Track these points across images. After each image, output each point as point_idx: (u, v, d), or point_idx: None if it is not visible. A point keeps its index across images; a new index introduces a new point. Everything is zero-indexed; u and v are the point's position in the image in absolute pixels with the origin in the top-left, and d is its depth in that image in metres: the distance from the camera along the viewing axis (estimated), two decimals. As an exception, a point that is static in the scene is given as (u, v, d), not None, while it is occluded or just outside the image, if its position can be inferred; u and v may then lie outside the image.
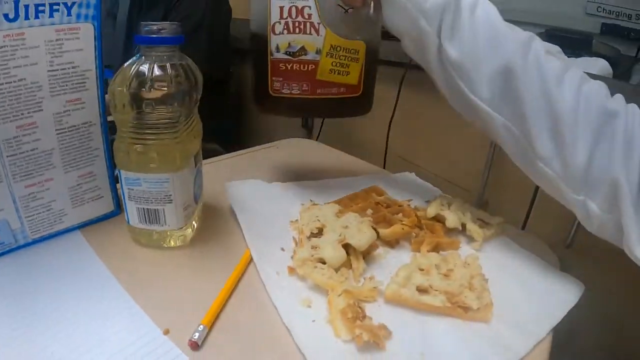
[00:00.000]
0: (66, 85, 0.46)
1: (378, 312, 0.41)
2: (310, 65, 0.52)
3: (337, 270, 0.45)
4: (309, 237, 0.49)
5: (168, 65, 0.42)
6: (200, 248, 0.50)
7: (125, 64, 0.42)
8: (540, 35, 0.93)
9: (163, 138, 0.43)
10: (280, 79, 0.53)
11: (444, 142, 0.89)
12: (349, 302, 0.40)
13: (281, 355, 0.38)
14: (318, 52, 0.51)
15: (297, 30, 0.50)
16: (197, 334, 0.37)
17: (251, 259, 0.48)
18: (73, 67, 0.46)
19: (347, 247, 0.47)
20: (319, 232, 0.49)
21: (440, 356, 0.37)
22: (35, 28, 0.42)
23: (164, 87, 0.41)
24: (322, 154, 0.82)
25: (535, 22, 0.96)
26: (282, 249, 0.49)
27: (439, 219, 0.56)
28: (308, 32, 0.50)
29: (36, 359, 0.36)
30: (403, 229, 0.53)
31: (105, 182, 0.52)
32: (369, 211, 0.57)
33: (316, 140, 0.93)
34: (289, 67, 0.52)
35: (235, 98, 1.30)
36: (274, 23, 0.50)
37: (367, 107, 0.59)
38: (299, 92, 0.53)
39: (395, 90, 0.91)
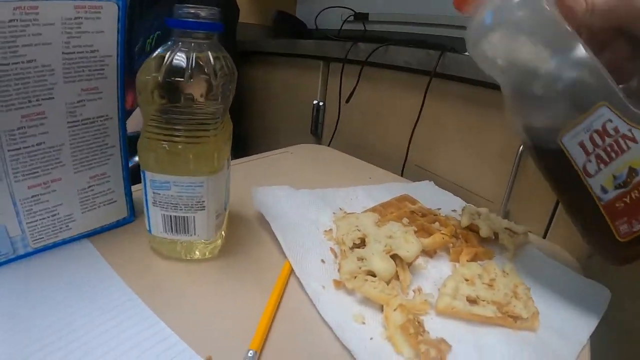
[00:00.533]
0: (82, 72, 0.39)
1: (431, 326, 0.38)
2: None
3: (387, 283, 0.41)
4: (351, 248, 0.44)
5: (209, 54, 0.36)
6: (230, 260, 0.44)
7: (157, 51, 0.36)
8: None
9: (201, 136, 0.37)
10: (625, 218, 0.40)
11: (465, 152, 0.86)
12: (409, 317, 0.36)
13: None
14: None
15: (613, 154, 0.38)
16: (245, 362, 0.32)
17: (291, 272, 0.43)
18: (92, 51, 0.39)
19: (393, 258, 0.43)
20: (361, 243, 0.45)
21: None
22: (51, 2, 0.36)
23: (206, 78, 0.36)
24: (338, 160, 0.78)
25: None
26: (322, 261, 0.44)
27: (472, 228, 0.54)
28: (625, 147, 0.38)
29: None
30: (443, 238, 0.49)
31: (119, 185, 0.46)
32: (405, 220, 0.53)
33: (328, 146, 0.89)
34: (628, 202, 0.39)
35: (239, 102, 1.24)
36: (583, 165, 0.39)
37: None
38: None
39: (416, 97, 0.88)
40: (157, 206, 0.39)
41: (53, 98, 0.38)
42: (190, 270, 0.42)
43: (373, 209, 0.53)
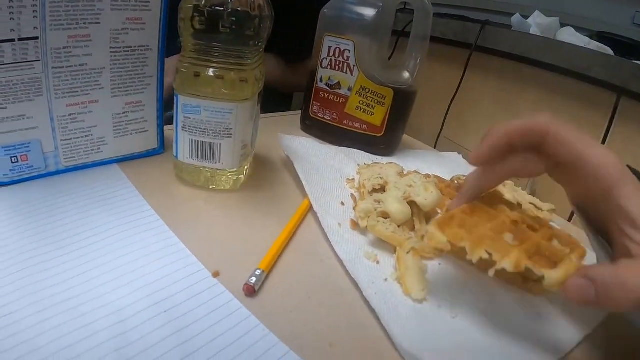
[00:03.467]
0: (129, 1, 0.39)
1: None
2: (341, 99, 0.58)
3: (400, 227, 0.39)
4: (370, 192, 0.43)
5: None
6: (251, 193, 0.44)
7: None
8: (591, 37, 0.90)
9: (234, 63, 0.37)
10: (319, 104, 0.61)
11: (495, 124, 0.84)
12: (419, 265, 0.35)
13: (347, 309, 0.32)
14: (349, 89, 0.57)
15: (336, 67, 0.57)
16: (253, 279, 0.31)
17: (309, 209, 0.42)
18: (138, -17, 0.40)
19: (410, 205, 0.41)
20: (381, 189, 0.44)
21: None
22: None
23: (245, 11, 0.35)
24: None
25: (586, 27, 0.91)
26: (342, 203, 0.43)
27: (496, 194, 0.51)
28: (344, 71, 0.57)
29: (72, 282, 0.29)
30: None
31: (152, 115, 0.46)
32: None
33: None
34: (326, 96, 0.60)
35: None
36: (322, 59, 0.58)
37: (387, 148, 0.60)
38: (330, 118, 0.60)
39: (452, 70, 0.86)
40: (186, 131, 0.39)
41: (99, 23, 0.38)
42: (211, 198, 0.42)
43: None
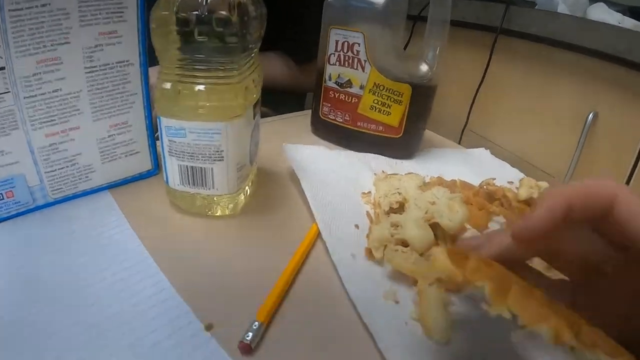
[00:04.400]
0: (99, 14, 0.34)
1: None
2: (353, 98, 0.52)
3: (422, 255, 0.33)
4: (387, 213, 0.37)
5: None
6: (254, 219, 0.39)
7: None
8: (623, 12, 0.79)
9: (218, 76, 0.31)
10: (329, 105, 0.54)
11: (526, 119, 0.74)
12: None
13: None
14: (362, 87, 0.51)
15: (346, 63, 0.50)
16: (250, 334, 0.26)
17: (318, 236, 0.36)
18: (109, -9, 0.34)
19: (434, 227, 0.35)
20: (400, 208, 0.37)
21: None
22: None
23: (223, 9, 0.29)
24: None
25: (617, 1, 0.80)
26: (356, 226, 0.37)
27: (529, 202, 0.43)
28: (355, 67, 0.50)
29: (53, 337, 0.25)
30: (494, 210, 0.40)
31: (142, 135, 0.41)
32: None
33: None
34: (336, 96, 0.53)
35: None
36: (330, 54, 0.51)
37: (406, 151, 0.54)
38: (342, 120, 0.54)
39: (475, 56, 0.77)
40: (173, 155, 0.34)
41: (69, 43, 0.33)
42: (208, 227, 0.37)
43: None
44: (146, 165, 0.43)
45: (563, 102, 0.69)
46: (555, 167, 0.69)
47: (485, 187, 0.44)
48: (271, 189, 0.44)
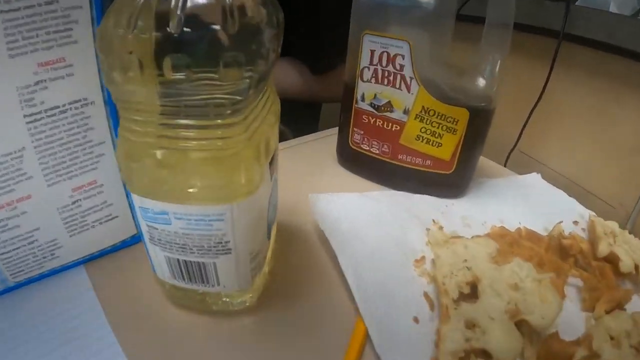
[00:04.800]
0: (37, 37, 0.23)
1: None
2: (395, 125, 0.40)
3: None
4: (456, 301, 0.26)
5: None
6: (276, 311, 0.28)
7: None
8: None
9: (214, 136, 0.20)
10: (362, 132, 0.42)
11: (584, 140, 0.62)
12: None
13: None
14: (406, 111, 0.39)
15: (385, 81, 0.38)
16: None
17: (366, 338, 0.26)
18: (48, 3, 0.23)
19: (519, 324, 0.25)
20: (472, 291, 0.27)
21: None
22: None
23: (214, 29, 0.18)
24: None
25: None
26: (415, 319, 0.27)
27: (609, 258, 0.34)
28: (397, 86, 0.38)
29: None
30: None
31: (119, 195, 0.30)
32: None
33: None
34: (371, 121, 0.41)
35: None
36: (363, 68, 0.39)
37: (458, 189, 0.42)
38: (378, 152, 0.42)
39: (532, 66, 0.63)
40: (156, 244, 0.23)
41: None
42: (214, 326, 0.26)
43: (495, 235, 0.34)
44: (129, 230, 0.32)
45: (628, 122, 0.56)
46: (617, 196, 0.58)
47: (557, 235, 0.34)
48: (296, 255, 0.33)
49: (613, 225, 0.37)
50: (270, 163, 0.24)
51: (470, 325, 0.25)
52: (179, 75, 0.17)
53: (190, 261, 0.23)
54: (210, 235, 0.21)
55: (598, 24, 0.55)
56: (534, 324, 0.25)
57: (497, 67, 0.36)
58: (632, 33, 0.52)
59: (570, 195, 0.46)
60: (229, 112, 0.19)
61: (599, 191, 0.60)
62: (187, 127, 0.19)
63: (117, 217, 0.31)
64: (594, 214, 0.42)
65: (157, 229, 0.22)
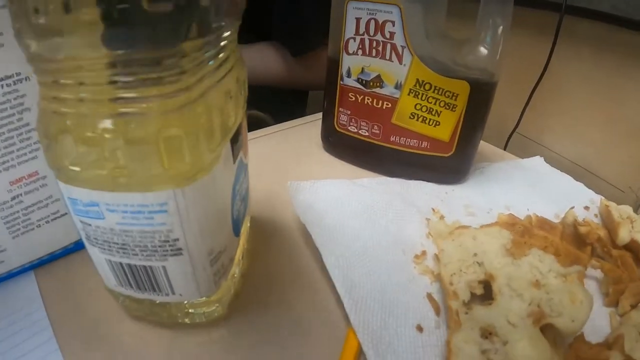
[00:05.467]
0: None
1: None
2: (385, 103, 0.35)
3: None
4: (467, 304, 0.21)
5: None
6: (251, 322, 0.23)
7: None
8: None
9: (153, 101, 0.15)
10: (348, 112, 0.38)
11: (590, 121, 0.58)
12: None
13: None
14: (398, 86, 0.34)
15: (373, 52, 0.34)
16: None
17: (359, 354, 0.21)
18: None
19: (544, 328, 0.21)
20: (485, 291, 0.22)
21: None
22: None
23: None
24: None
25: None
26: (419, 328, 0.22)
27: (630, 247, 0.30)
28: (388, 57, 0.33)
29: None
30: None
31: (66, 190, 0.26)
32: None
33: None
34: (359, 99, 0.36)
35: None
36: (348, 39, 0.34)
37: (458, 174, 0.38)
38: (367, 134, 0.38)
39: (534, 42, 0.59)
40: (94, 245, 0.18)
41: None
42: (176, 342, 0.22)
43: (504, 223, 0.29)
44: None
45: (638, 101, 0.52)
46: (625, 179, 0.53)
47: (570, 225, 0.30)
48: (274, 255, 0.28)
49: (628, 210, 0.34)
50: (233, 141, 0.19)
51: (487, 333, 0.20)
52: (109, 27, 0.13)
53: (135, 265, 0.18)
54: (153, 232, 0.17)
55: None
56: (563, 328, 0.20)
57: (499, 34, 0.31)
58: (636, 4, 0.48)
59: (576, 180, 0.42)
60: (173, 76, 0.15)
61: (606, 174, 0.55)
62: (122, 94, 0.15)
63: (65, 214, 0.26)
64: (604, 198, 0.38)
65: (90, 225, 0.17)
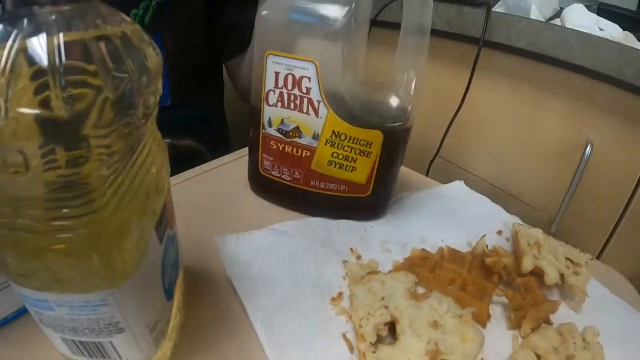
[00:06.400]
0: None
1: None
2: (305, 151, 0.38)
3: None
4: (374, 344, 0.26)
5: (84, 39, 0.15)
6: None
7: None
8: (590, 8, 0.69)
9: (80, 220, 0.17)
10: (271, 158, 0.40)
11: (508, 146, 0.64)
12: None
13: None
14: (316, 137, 0.37)
15: (292, 105, 0.36)
16: None
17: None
18: None
19: None
20: (390, 331, 0.27)
21: None
22: None
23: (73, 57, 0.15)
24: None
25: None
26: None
27: (534, 271, 0.35)
28: (305, 110, 0.36)
29: None
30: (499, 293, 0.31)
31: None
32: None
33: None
34: (280, 147, 0.39)
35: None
36: (268, 91, 0.37)
37: (376, 210, 0.42)
38: (289, 179, 0.40)
39: (447, 71, 0.64)
40: (48, 327, 0.21)
41: None
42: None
43: (404, 265, 0.34)
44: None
45: (552, 127, 0.59)
46: (542, 200, 0.60)
47: (479, 255, 0.35)
48: (207, 305, 0.31)
49: (537, 233, 0.38)
50: (158, 226, 0.22)
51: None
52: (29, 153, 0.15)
53: (86, 341, 0.22)
54: (97, 319, 0.20)
55: (519, 30, 0.56)
56: (457, 364, 0.25)
57: (413, 83, 0.35)
58: (553, 40, 0.53)
59: (494, 201, 0.46)
60: (89, 196, 0.17)
61: (523, 195, 0.62)
62: (32, 212, 0.17)
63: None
64: (518, 220, 0.42)
65: (42, 313, 0.21)
